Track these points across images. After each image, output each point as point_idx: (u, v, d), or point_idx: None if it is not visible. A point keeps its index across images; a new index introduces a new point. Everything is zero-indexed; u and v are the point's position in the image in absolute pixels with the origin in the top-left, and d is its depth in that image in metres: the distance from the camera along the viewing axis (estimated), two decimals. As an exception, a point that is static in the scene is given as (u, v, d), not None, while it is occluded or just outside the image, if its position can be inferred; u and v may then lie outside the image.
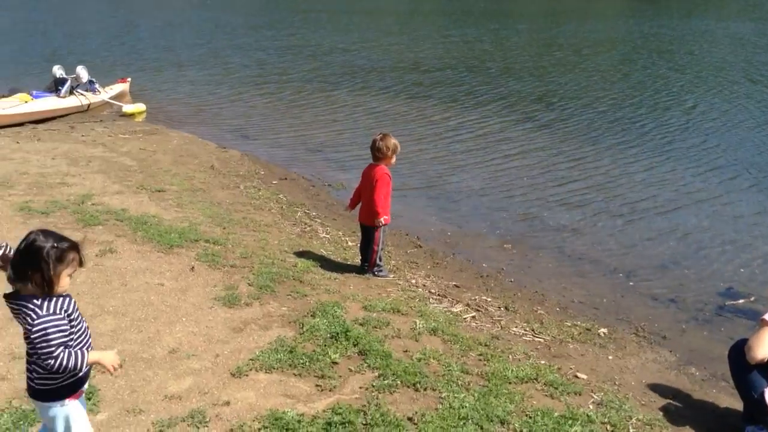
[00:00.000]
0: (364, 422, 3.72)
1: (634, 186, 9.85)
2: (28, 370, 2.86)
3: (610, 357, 5.36)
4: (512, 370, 4.55)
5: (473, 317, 5.77)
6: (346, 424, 3.67)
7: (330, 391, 4.04)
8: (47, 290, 2.73)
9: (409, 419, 3.81)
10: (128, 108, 14.08)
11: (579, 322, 5.99)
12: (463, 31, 30.50)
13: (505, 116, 14.24)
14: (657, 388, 4.85)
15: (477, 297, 6.31)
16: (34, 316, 2.71)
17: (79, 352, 2.79)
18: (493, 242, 7.88)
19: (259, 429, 3.59)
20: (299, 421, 3.66)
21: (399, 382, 4.16)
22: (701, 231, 8.24)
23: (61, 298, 2.79)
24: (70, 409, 2.91)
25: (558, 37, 28.89)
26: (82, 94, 14.07)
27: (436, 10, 42.40)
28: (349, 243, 7.44)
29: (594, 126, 13.49)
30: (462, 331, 5.23)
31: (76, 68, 14.23)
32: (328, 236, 7.64)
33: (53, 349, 2.70)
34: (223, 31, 30.25)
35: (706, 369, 5.28)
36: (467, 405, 3.98)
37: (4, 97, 12.83)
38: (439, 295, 6.24)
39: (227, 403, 3.83)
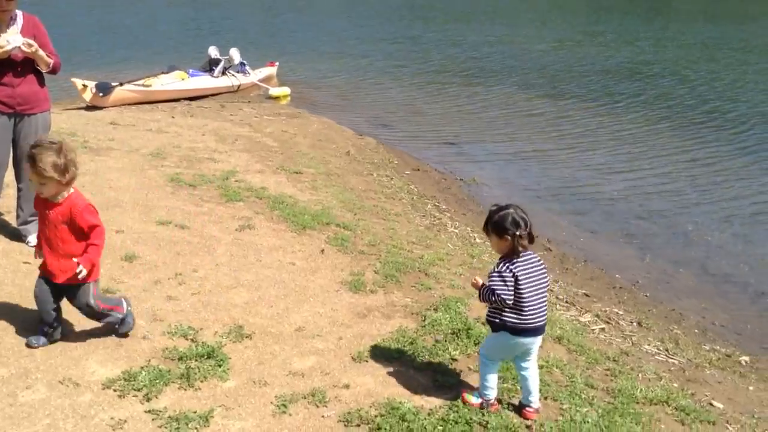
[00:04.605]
0: (480, 423, 3.66)
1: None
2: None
3: (751, 388, 4.97)
4: (641, 390, 4.31)
5: (602, 329, 5.52)
6: (463, 423, 3.62)
7: (448, 387, 4.00)
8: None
9: (528, 427, 3.70)
10: (274, 91, 14.67)
11: (718, 347, 5.60)
12: (616, 29, 29.23)
13: (650, 122, 13.52)
14: (803, 428, 4.43)
15: (608, 308, 6.04)
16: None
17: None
18: (629, 252, 7.52)
19: (376, 416, 3.62)
20: (416, 414, 3.65)
21: (519, 387, 4.05)
22: None
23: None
24: None
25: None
26: (233, 75, 14.83)
27: (613, 6, 40.64)
28: (477, 240, 7.35)
29: (752, 137, 12.51)
30: (589, 343, 5.03)
31: (230, 50, 15.01)
32: (456, 231, 7.60)
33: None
34: (373, 19, 30.74)
35: None
36: (590, 420, 3.81)
37: (164, 73, 13.75)
38: (567, 302, 6.03)
39: (347, 386, 3.89)
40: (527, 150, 11.42)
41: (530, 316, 3.58)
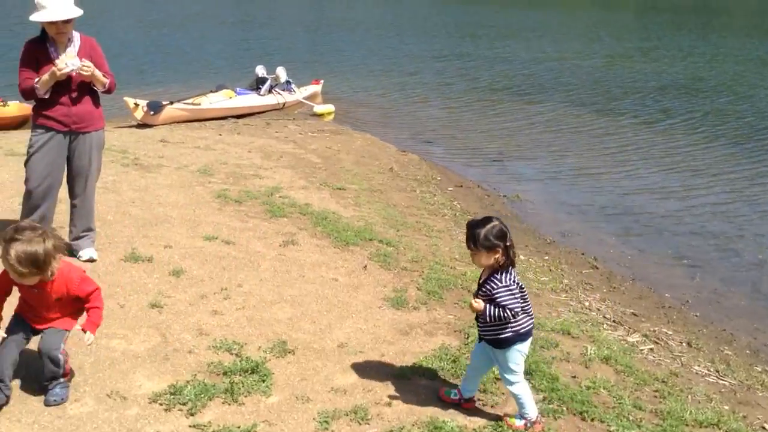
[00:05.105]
0: (523, 444, 3.61)
1: None
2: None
3: (806, 412, 4.78)
4: (691, 412, 4.19)
5: (651, 350, 5.39)
6: (506, 444, 3.57)
7: (491, 407, 3.96)
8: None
9: (572, 447, 3.64)
10: (319, 108, 14.84)
11: (772, 369, 5.41)
12: (668, 45, 28.76)
13: (707, 139, 13.19)
14: None
15: (656, 328, 5.90)
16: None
17: None
18: (678, 271, 7.34)
19: (418, 435, 3.60)
20: (458, 433, 3.63)
21: (565, 408, 3.99)
22: None
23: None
24: None
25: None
26: (279, 93, 15.06)
27: (664, 22, 39.99)
28: (521, 257, 7.27)
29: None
30: (637, 363, 4.91)
31: (277, 69, 15.26)
32: (500, 248, 7.52)
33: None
34: (419, 36, 30.86)
35: None
36: (637, 443, 3.72)
37: (212, 92, 14.05)
38: (614, 321, 5.91)
39: (389, 404, 3.88)
40: (575, 168, 11.27)
41: (532, 317, 3.72)
